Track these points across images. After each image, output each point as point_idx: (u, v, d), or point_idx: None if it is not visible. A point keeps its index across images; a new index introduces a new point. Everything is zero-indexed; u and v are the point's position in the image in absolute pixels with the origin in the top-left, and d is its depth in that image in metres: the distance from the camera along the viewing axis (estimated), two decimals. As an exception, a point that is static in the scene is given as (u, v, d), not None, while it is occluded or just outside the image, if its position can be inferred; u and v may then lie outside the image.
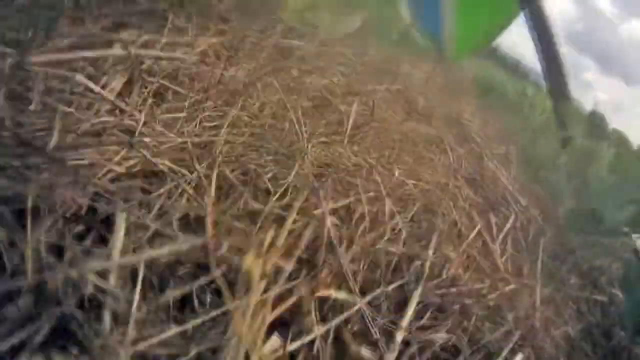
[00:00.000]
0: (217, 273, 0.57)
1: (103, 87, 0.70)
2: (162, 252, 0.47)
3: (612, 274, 1.17)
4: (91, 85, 0.68)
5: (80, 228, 0.56)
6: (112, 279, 0.46)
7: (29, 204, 0.51)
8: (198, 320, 0.47)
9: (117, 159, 0.56)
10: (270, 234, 0.52)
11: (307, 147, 0.74)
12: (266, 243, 0.51)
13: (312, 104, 0.89)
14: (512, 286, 0.86)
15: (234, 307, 0.45)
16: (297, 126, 0.76)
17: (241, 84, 0.80)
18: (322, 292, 0.53)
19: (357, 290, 0.60)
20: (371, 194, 0.72)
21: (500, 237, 0.99)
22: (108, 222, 0.56)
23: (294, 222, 0.58)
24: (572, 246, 1.15)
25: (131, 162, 0.58)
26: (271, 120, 0.77)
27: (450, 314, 0.73)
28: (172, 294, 0.54)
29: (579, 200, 1.27)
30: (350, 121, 0.85)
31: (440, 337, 0.69)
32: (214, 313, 0.47)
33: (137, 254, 0.46)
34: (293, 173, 0.68)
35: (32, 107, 0.64)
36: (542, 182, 1.23)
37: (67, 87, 0.67)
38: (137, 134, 0.61)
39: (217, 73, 0.79)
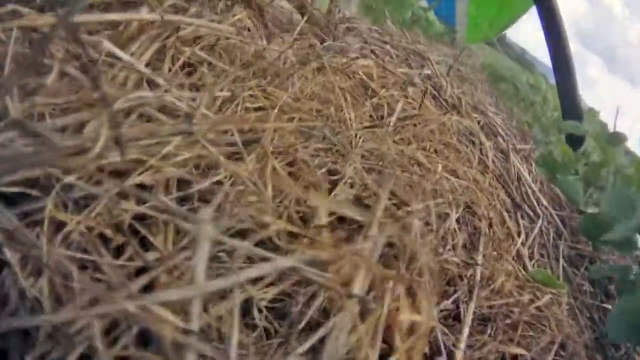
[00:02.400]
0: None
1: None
2: (264, 270, 0.36)
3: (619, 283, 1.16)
4: (120, 53, 0.58)
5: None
6: (195, 313, 0.35)
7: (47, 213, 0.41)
8: None
9: (168, 149, 0.46)
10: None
11: (357, 137, 0.66)
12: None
13: (352, 87, 0.81)
14: (549, 296, 0.81)
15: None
16: (345, 112, 0.68)
17: (283, 62, 0.71)
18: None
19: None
20: (440, 200, 0.65)
21: (529, 241, 0.95)
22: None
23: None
24: (586, 252, 1.12)
25: (182, 156, 0.47)
26: (317, 105, 0.68)
27: (500, 326, 0.68)
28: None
29: (593, 206, 1.24)
30: (397, 111, 0.78)
31: (494, 352, 0.64)
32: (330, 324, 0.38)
33: (229, 276, 0.36)
34: (349, 168, 0.59)
35: (49, 81, 0.53)
36: (559, 183, 1.19)
37: (89, 54, 0.57)
38: (195, 119, 0.50)
39: (258, 48, 0.70)
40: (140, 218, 0.46)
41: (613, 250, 1.17)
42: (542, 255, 0.98)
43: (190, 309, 0.34)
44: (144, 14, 0.63)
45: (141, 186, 0.47)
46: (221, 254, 0.41)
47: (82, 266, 0.41)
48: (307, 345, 0.44)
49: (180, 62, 0.64)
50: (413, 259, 0.57)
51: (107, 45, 0.57)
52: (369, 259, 0.46)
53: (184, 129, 0.45)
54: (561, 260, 1.03)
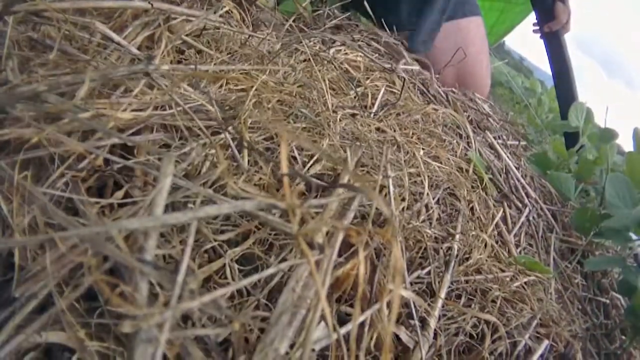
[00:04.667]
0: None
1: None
2: (222, 209, 0.39)
3: (614, 277, 1.17)
4: (111, 34, 0.62)
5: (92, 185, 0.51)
6: (151, 243, 0.39)
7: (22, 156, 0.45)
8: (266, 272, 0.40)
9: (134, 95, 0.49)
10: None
11: (337, 117, 0.70)
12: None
13: (337, 76, 0.85)
14: (531, 277, 0.84)
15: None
16: (326, 96, 0.72)
17: (267, 50, 0.75)
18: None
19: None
20: (412, 170, 0.68)
21: (516, 228, 0.97)
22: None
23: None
24: (577, 245, 1.14)
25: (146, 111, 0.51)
26: (298, 89, 0.72)
27: (478, 300, 0.70)
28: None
29: (586, 200, 1.25)
30: (379, 99, 0.82)
31: (470, 323, 0.66)
32: (283, 265, 0.42)
33: (188, 211, 0.39)
34: (325, 142, 0.63)
35: (52, 56, 0.58)
36: (551, 179, 1.21)
37: (85, 36, 0.62)
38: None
39: (243, 35, 0.74)
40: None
41: (605, 243, 1.19)
42: (530, 245, 1.00)
43: (147, 239, 0.37)
44: (137, 2, 0.68)
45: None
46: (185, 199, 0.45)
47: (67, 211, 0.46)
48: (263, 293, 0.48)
49: (169, 47, 0.68)
50: (382, 224, 0.61)
51: (100, 27, 0.62)
52: (332, 213, 0.49)
53: (139, 69, 0.49)
54: (552, 252, 1.05)
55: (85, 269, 0.40)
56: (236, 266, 0.51)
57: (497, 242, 0.86)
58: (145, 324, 0.36)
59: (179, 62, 0.67)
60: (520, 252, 0.93)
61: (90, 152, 0.49)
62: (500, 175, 1.05)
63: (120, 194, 0.47)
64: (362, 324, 0.47)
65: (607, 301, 1.09)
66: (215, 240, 0.51)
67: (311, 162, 0.60)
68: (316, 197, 0.55)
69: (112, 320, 0.42)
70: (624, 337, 1.03)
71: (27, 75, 0.55)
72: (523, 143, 1.33)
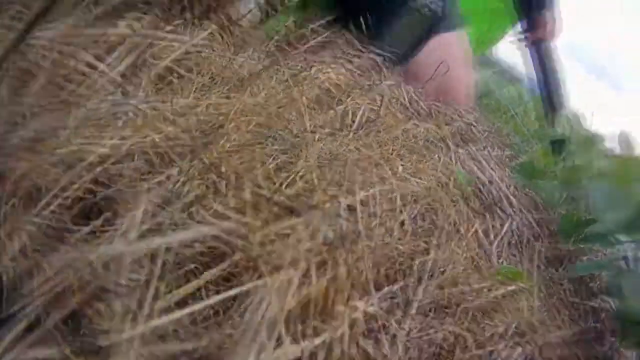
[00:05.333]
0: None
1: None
2: (191, 235, 0.43)
3: (602, 281, 1.18)
4: (95, 62, 0.65)
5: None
6: (125, 267, 0.43)
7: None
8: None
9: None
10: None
11: (315, 138, 0.73)
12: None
13: (318, 96, 0.87)
14: (512, 287, 0.85)
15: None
16: (304, 116, 0.74)
17: (248, 72, 0.78)
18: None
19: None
20: (387, 187, 0.71)
21: (498, 239, 0.99)
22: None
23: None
24: (565, 251, 1.15)
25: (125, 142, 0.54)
26: (278, 110, 0.75)
27: (452, 313, 0.72)
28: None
29: (572, 206, 1.27)
30: (359, 117, 0.84)
31: (440, 336, 0.68)
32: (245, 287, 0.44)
33: (161, 237, 0.42)
34: (300, 163, 0.66)
35: (35, 86, 0.61)
36: (536, 187, 1.23)
37: (70, 63, 0.65)
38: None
39: (225, 59, 0.77)
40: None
41: (593, 247, 1.20)
42: (514, 255, 1.02)
43: (122, 263, 0.41)
44: (120, 29, 0.71)
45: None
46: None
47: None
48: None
49: (152, 73, 0.71)
50: (353, 242, 0.63)
51: (84, 55, 0.65)
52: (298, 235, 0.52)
53: (119, 110, 0.52)
54: (537, 260, 1.06)
55: (70, 291, 0.44)
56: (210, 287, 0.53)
57: (477, 254, 0.88)
58: (117, 338, 0.40)
59: (160, 89, 0.70)
60: (502, 263, 0.95)
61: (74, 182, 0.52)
62: (484, 187, 1.07)
63: (98, 222, 0.50)
64: (327, 341, 0.50)
65: (597, 305, 1.11)
66: (192, 263, 0.54)
67: (285, 183, 0.63)
68: (288, 219, 0.57)
69: (92, 338, 0.45)
70: (613, 339, 1.05)
71: (15, 105, 0.58)
72: (508, 152, 1.35)
